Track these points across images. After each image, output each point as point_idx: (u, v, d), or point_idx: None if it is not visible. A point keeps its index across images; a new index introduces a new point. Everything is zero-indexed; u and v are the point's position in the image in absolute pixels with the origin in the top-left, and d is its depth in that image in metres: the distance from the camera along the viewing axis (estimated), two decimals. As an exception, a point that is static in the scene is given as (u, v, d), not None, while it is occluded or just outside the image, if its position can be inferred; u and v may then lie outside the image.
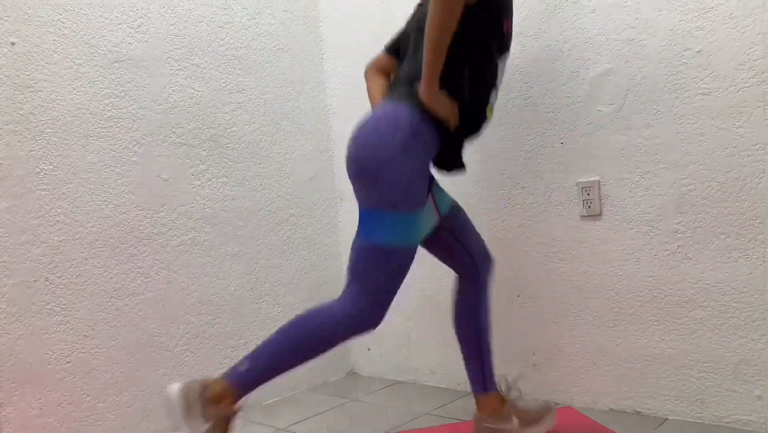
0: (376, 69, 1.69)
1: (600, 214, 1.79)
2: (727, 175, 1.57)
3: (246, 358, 1.36)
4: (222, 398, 1.32)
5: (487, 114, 1.50)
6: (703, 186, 1.61)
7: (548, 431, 1.63)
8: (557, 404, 1.90)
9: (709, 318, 1.62)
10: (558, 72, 1.85)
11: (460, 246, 1.60)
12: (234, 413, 1.33)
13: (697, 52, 1.60)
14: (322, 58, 2.50)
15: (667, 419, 1.69)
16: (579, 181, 1.82)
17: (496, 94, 1.56)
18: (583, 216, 1.82)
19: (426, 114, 1.38)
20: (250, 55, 2.23)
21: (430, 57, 1.30)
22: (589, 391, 1.84)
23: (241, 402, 1.35)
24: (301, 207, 2.37)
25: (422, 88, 1.35)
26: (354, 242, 1.40)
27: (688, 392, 1.66)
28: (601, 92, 1.76)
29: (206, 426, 1.28)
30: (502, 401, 1.60)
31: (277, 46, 2.33)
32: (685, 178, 1.63)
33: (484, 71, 1.44)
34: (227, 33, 2.16)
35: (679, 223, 1.65)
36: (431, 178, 1.55)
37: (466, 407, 1.94)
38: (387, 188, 1.34)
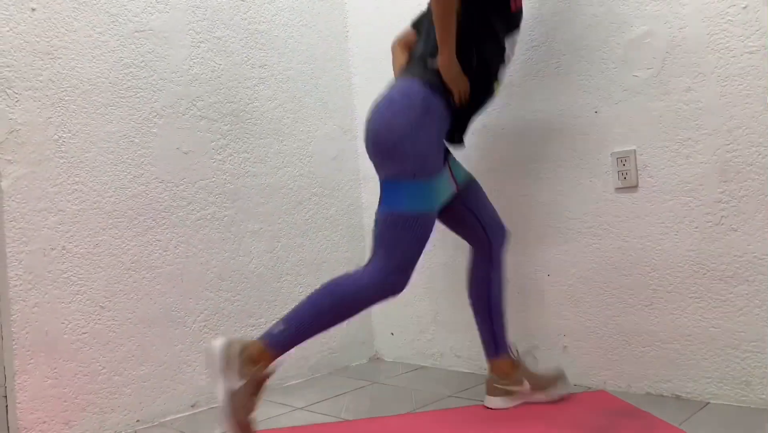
0: (402, 45, 1.76)
1: (636, 186, 1.69)
2: (776, 138, 1.45)
3: (280, 321, 1.44)
4: (259, 359, 1.38)
5: (495, 89, 1.58)
6: (749, 151, 1.50)
7: (559, 397, 1.67)
8: (589, 388, 1.80)
9: (756, 293, 1.50)
10: (592, 36, 1.75)
11: (473, 217, 1.67)
12: (268, 375, 1.39)
13: (743, 8, 1.49)
14: (346, 36, 2.44)
15: (709, 402, 1.58)
16: (614, 151, 1.72)
17: (505, 70, 1.62)
18: (618, 188, 1.72)
19: (437, 89, 1.47)
20: (273, 29, 2.19)
21: (439, 33, 1.42)
22: (623, 373, 1.74)
23: (275, 364, 1.41)
24: (324, 186, 2.31)
25: (440, 59, 1.45)
26: (377, 213, 1.48)
27: (732, 374, 1.55)
28: (638, 56, 1.67)
29: (241, 383, 1.35)
30: (514, 365, 1.67)
31: (301, 22, 2.28)
32: (729, 144, 1.52)
33: (492, 49, 1.53)
34: (250, 7, 2.13)
35: (722, 192, 1.54)
36: (447, 151, 1.61)
37: (493, 390, 1.85)
38: (404, 160, 1.43)
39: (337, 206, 2.35)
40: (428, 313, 2.22)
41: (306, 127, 2.27)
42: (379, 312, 2.41)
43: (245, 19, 2.11)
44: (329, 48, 2.38)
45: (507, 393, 1.65)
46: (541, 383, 1.66)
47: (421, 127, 1.43)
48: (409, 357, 2.30)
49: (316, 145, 2.30)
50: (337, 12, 2.42)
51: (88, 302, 1.69)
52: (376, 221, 1.48)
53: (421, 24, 1.66)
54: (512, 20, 1.55)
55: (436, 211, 1.50)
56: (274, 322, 1.47)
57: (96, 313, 1.70)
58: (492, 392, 1.67)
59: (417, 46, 1.60)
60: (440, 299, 2.18)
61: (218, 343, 1.38)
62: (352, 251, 2.38)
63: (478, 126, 2.02)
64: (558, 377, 1.68)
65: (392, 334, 2.36)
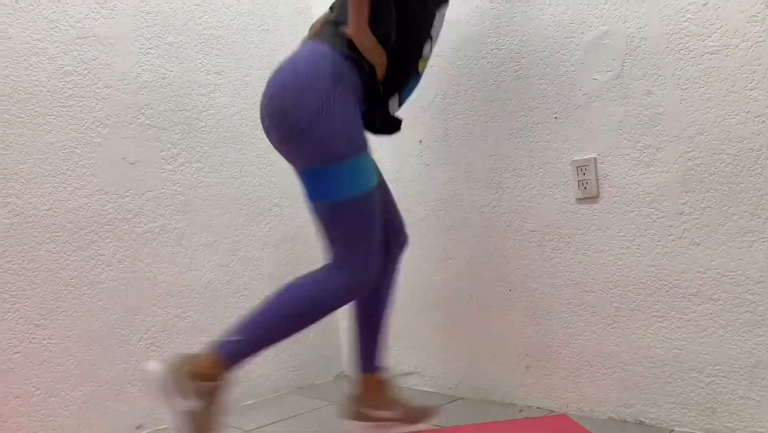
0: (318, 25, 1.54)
1: (597, 197, 1.58)
2: (739, 145, 1.34)
3: (235, 329, 1.28)
4: (211, 374, 1.23)
5: (420, 68, 1.37)
6: (711, 159, 1.38)
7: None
8: (551, 411, 1.69)
9: (721, 313, 1.39)
10: (551, 38, 1.65)
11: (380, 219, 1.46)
12: (225, 386, 1.26)
13: (703, 5, 1.38)
14: (311, 41, 2.36)
15: (673, 430, 1.46)
16: (574, 159, 1.62)
17: (431, 46, 1.41)
18: (579, 199, 1.62)
19: (349, 56, 1.26)
20: (230, 35, 2.12)
21: None
22: (585, 397, 1.62)
23: (230, 377, 1.27)
24: (286, 197, 2.23)
25: (350, 27, 1.24)
26: (311, 207, 1.29)
27: (696, 400, 1.43)
28: (597, 58, 1.56)
29: (197, 402, 1.21)
30: (383, 384, 1.52)
31: (262, 27, 2.21)
32: (690, 152, 1.41)
33: (415, 19, 1.31)
34: (205, 12, 2.06)
35: (684, 203, 1.43)
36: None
37: (453, 412, 1.75)
38: (326, 141, 1.22)
39: (301, 218, 2.26)
40: (394, 331, 2.12)
41: (267, 135, 2.19)
42: (348, 329, 2.32)
43: (200, 24, 2.04)
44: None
45: (370, 416, 1.51)
46: (400, 408, 1.52)
47: (335, 99, 1.22)
48: (375, 374, 2.20)
49: (279, 154, 2.21)
50: (301, 16, 2.34)
51: (21, 320, 1.62)
52: (315, 215, 1.30)
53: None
54: None
55: (375, 185, 1.30)
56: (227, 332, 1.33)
57: (30, 331, 1.63)
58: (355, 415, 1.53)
59: (330, 14, 1.39)
60: (403, 315, 2.08)
61: (157, 366, 1.24)
62: (318, 264, 2.30)
63: (438, 133, 1.92)
64: (424, 413, 1.53)
65: (358, 350, 2.26)
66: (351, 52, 1.26)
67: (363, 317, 1.53)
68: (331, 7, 1.48)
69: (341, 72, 1.24)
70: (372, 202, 1.29)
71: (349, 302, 1.31)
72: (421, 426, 1.52)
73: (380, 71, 1.29)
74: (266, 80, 2.17)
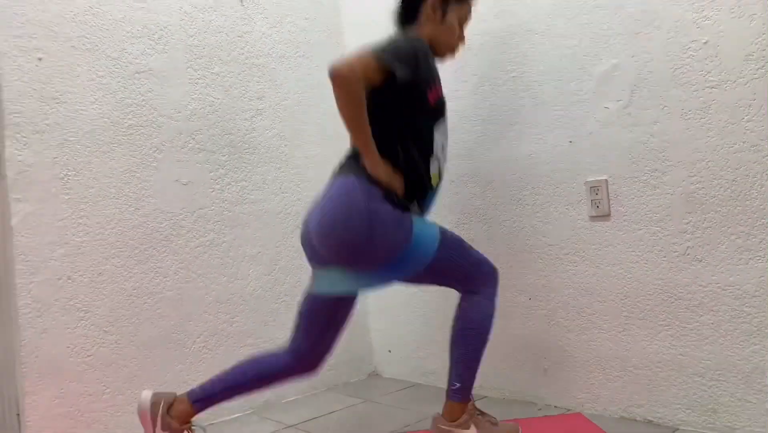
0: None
1: (609, 215, 1.73)
2: (737, 172, 1.48)
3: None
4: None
5: (432, 182, 1.54)
6: (711, 184, 1.53)
7: None
8: (568, 409, 1.85)
9: (721, 323, 1.53)
10: (566, 69, 1.80)
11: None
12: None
13: (704, 43, 1.52)
14: (343, 64, 2.53)
15: (678, 428, 1.61)
16: (588, 180, 1.77)
17: (439, 161, 1.57)
18: (592, 216, 1.77)
19: (374, 181, 1.43)
20: (270, 63, 2.30)
21: (354, 139, 1.43)
22: (599, 397, 1.78)
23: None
24: (322, 210, 2.41)
25: (366, 163, 1.43)
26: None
27: (699, 401, 1.58)
28: (608, 88, 1.71)
29: None
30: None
31: (297, 53, 2.39)
32: (693, 176, 1.56)
33: (415, 142, 1.49)
34: (247, 42, 2.24)
35: (687, 223, 1.57)
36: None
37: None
38: (390, 234, 1.42)
39: (335, 228, 2.44)
40: (423, 332, 2.29)
41: (304, 153, 2.38)
42: (378, 330, 2.49)
43: (242, 54, 2.22)
44: (325, 76, 2.46)
45: None
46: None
47: (374, 209, 1.40)
48: (405, 374, 2.38)
49: (315, 170, 2.40)
50: (334, 42, 2.51)
51: (92, 327, 1.83)
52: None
53: None
54: (434, 112, 1.53)
55: (440, 233, 1.50)
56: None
57: (100, 337, 1.84)
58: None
59: (350, 145, 1.57)
60: (434, 318, 2.25)
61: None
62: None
63: (462, 152, 2.08)
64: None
65: (389, 351, 2.44)
66: (376, 181, 1.44)
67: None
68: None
69: (370, 192, 1.42)
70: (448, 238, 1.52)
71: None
72: None
73: (400, 192, 1.46)
74: (305, 104, 2.36)
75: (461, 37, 1.67)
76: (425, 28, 1.60)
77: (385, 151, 1.44)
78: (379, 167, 1.42)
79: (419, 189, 1.52)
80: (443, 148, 1.59)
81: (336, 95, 1.37)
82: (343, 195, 1.42)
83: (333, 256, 1.46)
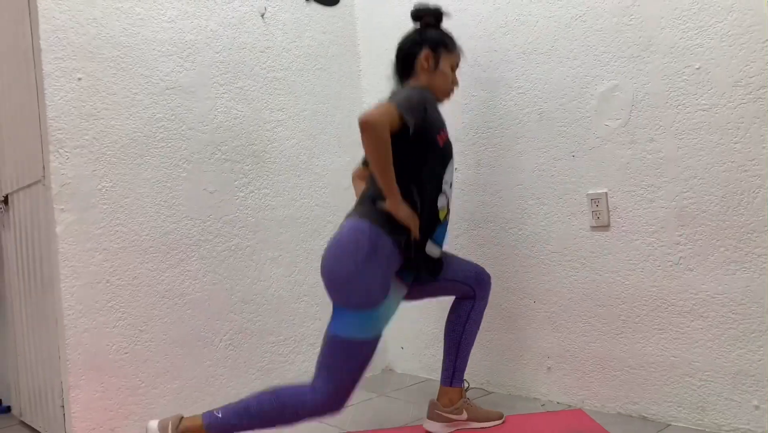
0: (359, 177, 1.91)
1: (608, 225, 1.85)
2: (726, 189, 1.60)
3: (223, 407, 1.58)
4: (192, 429, 1.54)
5: (440, 216, 1.69)
6: (702, 200, 1.64)
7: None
8: (569, 405, 1.98)
9: (709, 328, 1.66)
10: (569, 87, 1.92)
11: (453, 282, 1.85)
12: None
13: (697, 69, 1.63)
14: (359, 75, 2.66)
15: (669, 424, 1.74)
16: (589, 192, 1.89)
17: (446, 196, 1.72)
18: (592, 226, 1.89)
19: (386, 229, 1.56)
20: (290, 76, 2.44)
21: (380, 180, 1.52)
22: (598, 395, 1.91)
23: None
24: (339, 215, 2.53)
25: (388, 204, 1.55)
26: (326, 332, 1.59)
27: (689, 400, 1.71)
28: (608, 107, 1.83)
29: None
30: (460, 396, 1.86)
31: (316, 66, 2.52)
32: (686, 192, 1.67)
33: (429, 183, 1.64)
34: (268, 57, 2.37)
35: (680, 235, 1.69)
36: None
37: (485, 404, 2.06)
38: (353, 294, 1.54)
39: (351, 232, 2.58)
40: (434, 329, 2.43)
41: (321, 161, 2.51)
42: (392, 326, 2.63)
43: (264, 68, 2.36)
44: (343, 88, 2.60)
45: (447, 420, 1.84)
46: (478, 415, 1.87)
47: (368, 264, 1.52)
48: (417, 369, 2.52)
49: (331, 177, 2.53)
50: (350, 53, 2.64)
51: (128, 326, 1.98)
52: (324, 340, 1.58)
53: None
54: (443, 153, 1.68)
55: (378, 336, 1.59)
56: (220, 405, 1.59)
57: (136, 336, 1.99)
58: (433, 416, 1.86)
59: (367, 184, 1.70)
60: (445, 317, 2.38)
61: (153, 425, 1.55)
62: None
63: (471, 162, 2.21)
64: (495, 416, 1.88)
65: (402, 348, 2.59)
66: (388, 223, 1.56)
67: (452, 344, 1.89)
68: (364, 163, 1.83)
69: (377, 244, 1.54)
70: (368, 348, 1.56)
71: (312, 419, 1.56)
72: (488, 424, 1.86)
73: (415, 232, 1.58)
74: (323, 114, 2.51)
75: (454, 81, 1.82)
76: (421, 77, 1.74)
77: (402, 190, 1.56)
78: (400, 207, 1.55)
79: (431, 224, 1.66)
80: (450, 185, 1.74)
81: (365, 141, 1.48)
82: (351, 242, 1.54)
83: (328, 291, 1.59)
